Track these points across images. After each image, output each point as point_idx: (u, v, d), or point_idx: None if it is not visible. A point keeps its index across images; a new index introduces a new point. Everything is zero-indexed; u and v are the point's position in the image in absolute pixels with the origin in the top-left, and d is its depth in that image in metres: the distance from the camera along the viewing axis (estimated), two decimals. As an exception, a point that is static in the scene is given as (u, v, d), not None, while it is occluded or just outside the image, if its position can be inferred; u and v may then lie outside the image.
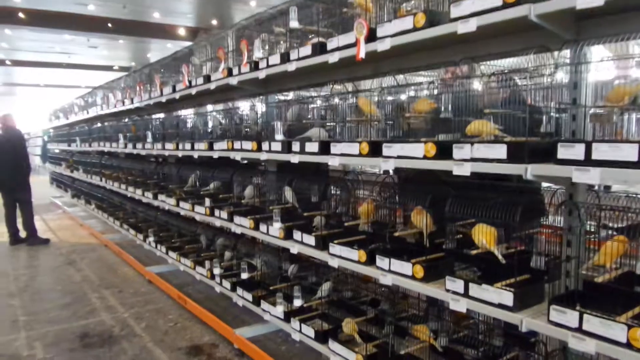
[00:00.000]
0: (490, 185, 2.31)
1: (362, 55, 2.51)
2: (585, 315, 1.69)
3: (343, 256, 2.76)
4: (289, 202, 3.50)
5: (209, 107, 4.88)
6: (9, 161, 7.33)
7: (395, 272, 2.44)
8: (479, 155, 1.99)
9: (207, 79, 4.26)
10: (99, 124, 8.53)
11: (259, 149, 3.52)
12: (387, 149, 2.42)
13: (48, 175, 15.91)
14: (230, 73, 3.87)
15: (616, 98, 1.70)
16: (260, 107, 3.97)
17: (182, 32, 16.90)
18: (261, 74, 3.43)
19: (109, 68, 22.85)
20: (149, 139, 5.74)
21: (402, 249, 2.57)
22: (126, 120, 6.99)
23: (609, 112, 1.71)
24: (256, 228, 3.63)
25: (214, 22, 16.21)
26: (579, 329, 1.71)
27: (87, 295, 5.21)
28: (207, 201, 4.36)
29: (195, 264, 4.73)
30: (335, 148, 2.77)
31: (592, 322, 1.67)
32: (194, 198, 4.82)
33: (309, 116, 3.38)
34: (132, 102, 6.32)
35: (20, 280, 5.85)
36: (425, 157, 2.23)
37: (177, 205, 4.97)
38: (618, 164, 1.57)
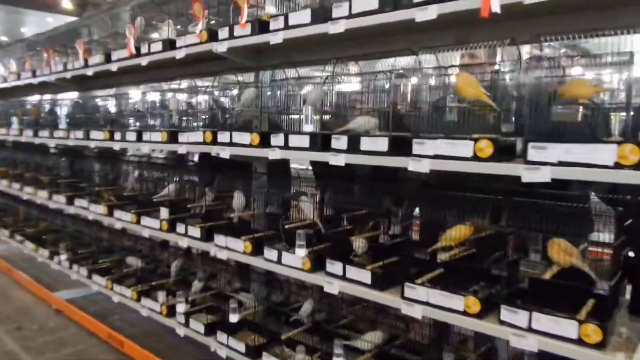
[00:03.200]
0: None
1: (495, 8, 1.66)
2: None
3: (436, 304, 1.89)
4: (306, 218, 2.55)
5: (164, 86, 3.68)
6: None
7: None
8: None
9: (171, 44, 3.10)
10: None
11: (264, 144, 2.51)
12: (536, 152, 1.61)
13: None
14: (213, 37, 2.79)
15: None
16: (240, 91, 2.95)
17: (66, 4, 14.50)
18: (275, 38, 2.43)
19: (-28, 41, 19.29)
20: (62, 125, 4.33)
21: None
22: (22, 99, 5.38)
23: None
24: (257, 253, 2.60)
25: (109, -6, 14.13)
26: None
27: (-29, 336, 3.75)
28: (164, 212, 3.21)
29: (138, 295, 3.51)
30: (421, 147, 1.89)
31: None
32: (134, 205, 3.61)
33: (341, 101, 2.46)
34: (34, 76, 4.78)
35: None
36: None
37: (110, 214, 3.69)
38: None
